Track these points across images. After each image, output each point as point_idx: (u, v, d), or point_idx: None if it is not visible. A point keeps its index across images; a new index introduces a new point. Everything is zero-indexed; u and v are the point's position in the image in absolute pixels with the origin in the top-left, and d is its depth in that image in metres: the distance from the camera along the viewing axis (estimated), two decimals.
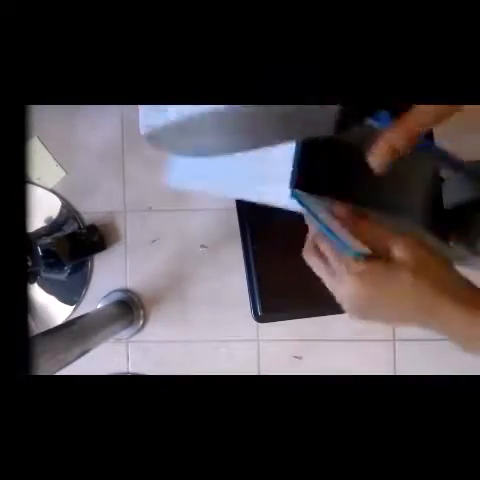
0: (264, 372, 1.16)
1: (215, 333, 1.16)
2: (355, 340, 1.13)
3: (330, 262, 0.37)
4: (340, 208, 0.39)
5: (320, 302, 0.55)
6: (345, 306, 0.37)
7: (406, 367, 1.12)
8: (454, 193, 0.75)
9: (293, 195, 0.44)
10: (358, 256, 0.35)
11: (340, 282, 0.36)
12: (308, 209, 0.42)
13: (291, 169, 0.45)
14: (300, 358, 1.15)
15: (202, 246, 1.17)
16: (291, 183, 0.45)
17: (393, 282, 0.33)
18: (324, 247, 0.38)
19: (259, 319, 0.56)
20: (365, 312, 0.36)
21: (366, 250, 0.35)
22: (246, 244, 0.56)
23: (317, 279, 0.42)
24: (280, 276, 0.54)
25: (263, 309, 0.55)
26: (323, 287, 0.49)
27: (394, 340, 1.12)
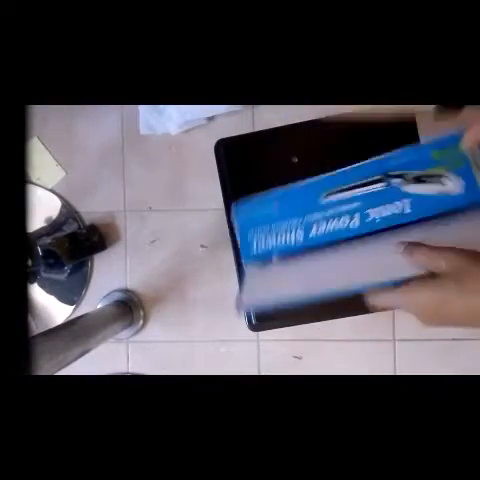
0: (264, 372, 1.16)
1: (215, 333, 1.16)
2: (355, 340, 1.13)
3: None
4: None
5: (314, 308, 0.54)
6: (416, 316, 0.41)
7: (406, 367, 1.12)
8: None
9: None
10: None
11: (410, 297, 0.40)
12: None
13: None
14: (300, 358, 1.15)
15: (202, 246, 1.17)
16: None
17: (444, 294, 0.38)
18: None
19: (254, 328, 0.55)
20: (433, 322, 0.40)
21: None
22: (237, 251, 0.55)
23: None
24: None
25: (257, 318, 0.54)
26: None
27: (394, 340, 1.12)
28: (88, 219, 1.19)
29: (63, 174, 1.21)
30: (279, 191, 0.45)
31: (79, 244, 1.11)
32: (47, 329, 0.84)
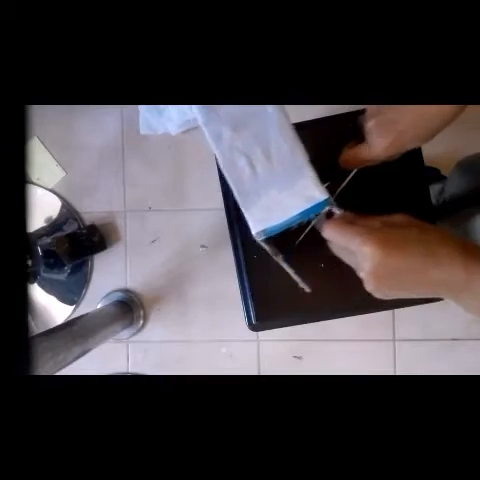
0: (264, 372, 1.16)
1: (215, 333, 1.16)
2: (355, 340, 1.13)
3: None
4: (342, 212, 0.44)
5: (314, 308, 0.55)
6: (369, 273, 0.38)
7: (406, 367, 1.12)
8: (453, 187, 0.75)
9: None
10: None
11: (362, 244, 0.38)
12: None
13: None
14: (300, 358, 1.15)
15: (202, 246, 1.17)
16: None
17: (403, 240, 0.37)
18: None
19: (254, 328, 0.55)
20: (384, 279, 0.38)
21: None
22: (237, 252, 0.55)
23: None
24: (273, 283, 0.53)
25: (257, 318, 0.54)
26: (316, 293, 0.49)
27: (394, 340, 1.12)
28: (88, 219, 1.19)
29: (63, 174, 1.21)
30: None
31: (79, 244, 1.12)
32: (47, 329, 0.84)
